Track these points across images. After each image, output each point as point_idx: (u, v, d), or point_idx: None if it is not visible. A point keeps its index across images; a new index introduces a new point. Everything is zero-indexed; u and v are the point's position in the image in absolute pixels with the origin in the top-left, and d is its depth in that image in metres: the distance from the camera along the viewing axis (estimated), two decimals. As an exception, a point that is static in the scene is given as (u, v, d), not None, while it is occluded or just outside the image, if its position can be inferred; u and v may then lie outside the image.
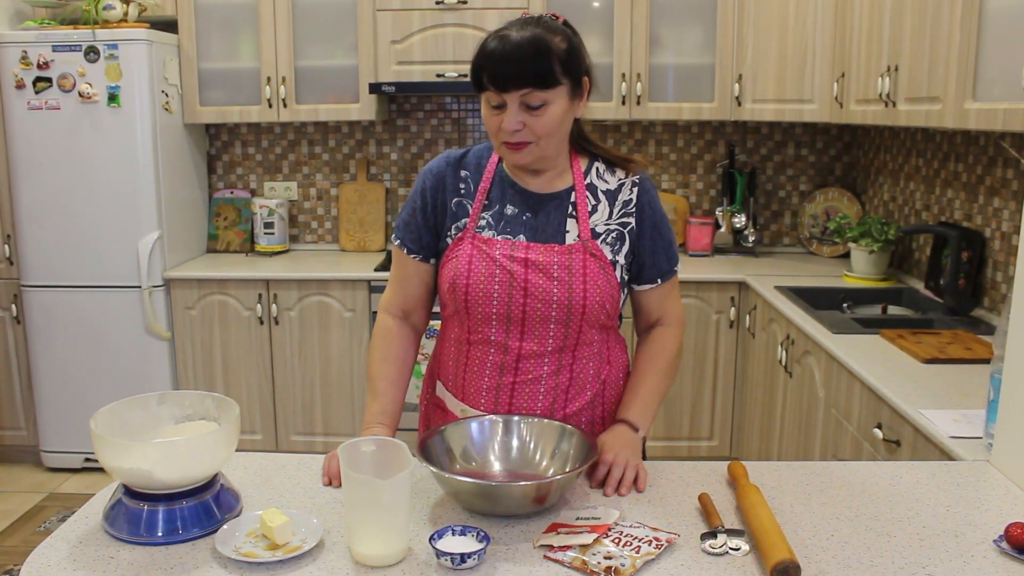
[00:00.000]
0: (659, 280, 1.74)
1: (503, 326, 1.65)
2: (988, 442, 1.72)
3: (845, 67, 3.41)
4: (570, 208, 1.69)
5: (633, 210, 1.70)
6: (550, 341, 1.66)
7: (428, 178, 1.73)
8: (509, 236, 1.66)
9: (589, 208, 1.69)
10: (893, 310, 3.29)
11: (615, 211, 1.70)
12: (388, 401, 1.71)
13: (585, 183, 1.70)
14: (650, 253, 1.72)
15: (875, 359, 2.44)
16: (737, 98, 3.91)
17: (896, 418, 2.13)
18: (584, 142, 1.74)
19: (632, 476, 1.52)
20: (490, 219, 1.68)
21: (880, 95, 3.01)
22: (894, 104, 2.92)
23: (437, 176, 1.72)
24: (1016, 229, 2.82)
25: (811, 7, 3.62)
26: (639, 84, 3.92)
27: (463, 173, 1.72)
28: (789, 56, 3.72)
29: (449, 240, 1.70)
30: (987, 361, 2.34)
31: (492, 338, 1.67)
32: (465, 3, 3.88)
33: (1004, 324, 1.64)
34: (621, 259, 1.69)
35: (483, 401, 1.69)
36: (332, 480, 1.54)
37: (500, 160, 1.73)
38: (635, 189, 1.71)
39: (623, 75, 3.92)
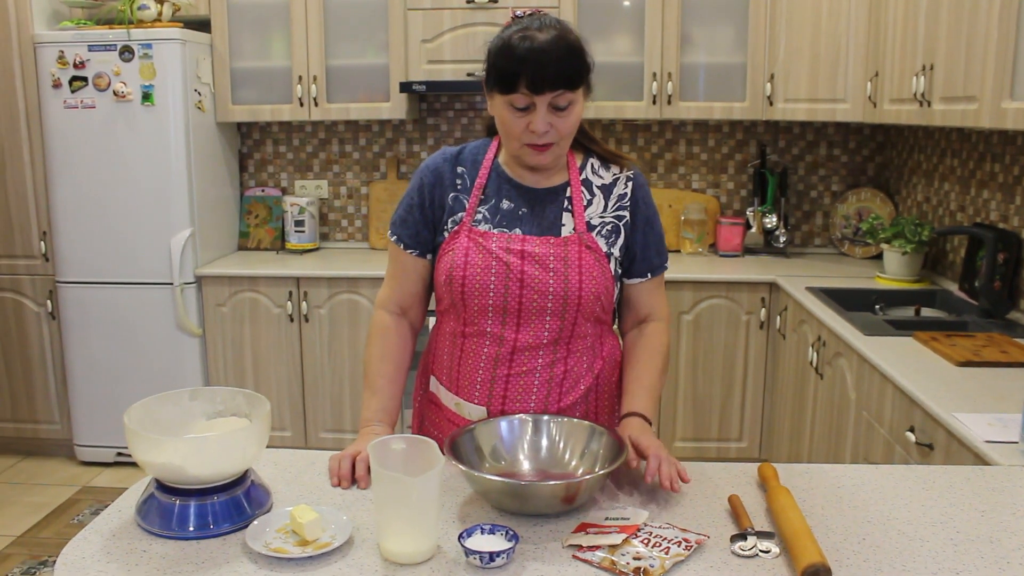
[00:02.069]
0: (648, 275, 1.76)
1: (499, 318, 1.66)
2: (1024, 447, 1.70)
3: (879, 66, 3.37)
4: (566, 202, 1.70)
5: (628, 204, 1.73)
6: (545, 333, 1.67)
7: (426, 174, 1.74)
8: (505, 230, 1.68)
9: (584, 202, 1.70)
10: (926, 312, 3.25)
11: (610, 204, 1.72)
12: (386, 398, 1.72)
13: (580, 178, 1.72)
14: (641, 247, 1.74)
15: (908, 361, 2.41)
16: (769, 97, 3.88)
17: (929, 421, 2.10)
18: (580, 136, 1.75)
19: (674, 471, 1.47)
20: (486, 213, 1.69)
21: (915, 94, 2.97)
22: (929, 104, 2.89)
23: (435, 172, 1.73)
24: (1054, 231, 2.78)
25: (844, 5, 3.59)
26: (670, 83, 3.90)
27: (459, 169, 1.73)
28: (822, 55, 3.68)
29: (445, 234, 1.71)
30: (1023, 365, 2.31)
31: (488, 330, 1.68)
32: (495, 2, 3.89)
33: (1042, 327, 1.62)
34: (616, 252, 1.71)
35: (477, 394, 1.70)
36: (341, 481, 1.53)
37: (496, 156, 1.74)
38: (629, 184, 1.74)
39: (654, 74, 3.90)
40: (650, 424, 1.66)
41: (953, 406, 2.06)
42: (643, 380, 1.72)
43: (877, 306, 3.28)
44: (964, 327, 2.90)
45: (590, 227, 1.69)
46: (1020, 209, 2.98)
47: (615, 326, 1.84)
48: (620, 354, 1.83)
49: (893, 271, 3.58)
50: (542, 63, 1.52)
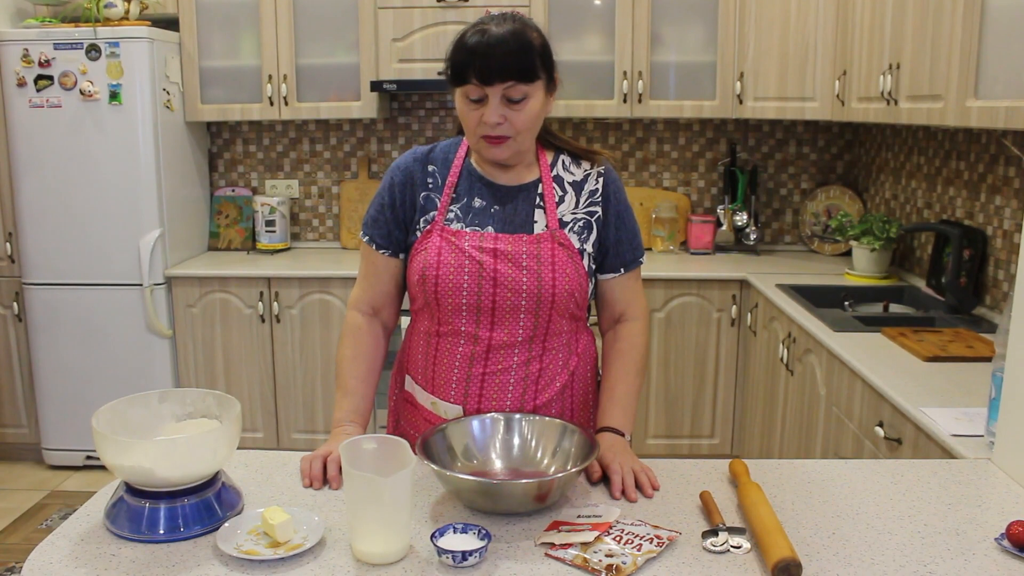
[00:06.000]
0: (622, 270, 1.76)
1: (473, 317, 1.66)
2: (989, 440, 1.72)
3: (847, 65, 3.41)
4: (537, 199, 1.71)
5: (599, 199, 1.73)
6: (520, 331, 1.67)
7: (396, 174, 1.74)
8: (477, 228, 1.68)
9: (556, 199, 1.71)
10: (894, 308, 3.29)
11: (582, 200, 1.72)
12: (359, 398, 1.72)
13: (552, 175, 1.73)
14: (614, 242, 1.74)
15: (876, 357, 2.44)
16: (739, 96, 3.90)
17: (897, 416, 2.13)
18: (550, 136, 1.76)
19: (643, 479, 1.51)
20: (458, 212, 1.70)
21: (882, 93, 3.01)
22: (896, 102, 2.92)
23: (405, 172, 1.74)
24: (1018, 227, 2.82)
25: (813, 5, 3.62)
26: (640, 82, 3.92)
27: (430, 168, 1.74)
28: (791, 54, 3.72)
29: (418, 234, 1.71)
30: (989, 359, 2.34)
31: (462, 329, 1.68)
32: (466, 1, 3.88)
33: (1006, 322, 1.64)
34: (589, 248, 1.71)
35: (453, 393, 1.70)
36: (313, 482, 1.53)
37: (467, 154, 1.74)
38: (600, 179, 1.75)
39: (624, 73, 3.92)
40: (624, 434, 1.66)
41: (921, 401, 2.08)
42: (614, 392, 1.73)
43: (846, 302, 3.31)
44: (931, 323, 2.94)
45: (562, 224, 1.69)
46: (985, 206, 3.02)
47: (590, 322, 1.84)
48: (595, 351, 1.83)
49: (862, 268, 3.62)
50: (491, 54, 1.54)
